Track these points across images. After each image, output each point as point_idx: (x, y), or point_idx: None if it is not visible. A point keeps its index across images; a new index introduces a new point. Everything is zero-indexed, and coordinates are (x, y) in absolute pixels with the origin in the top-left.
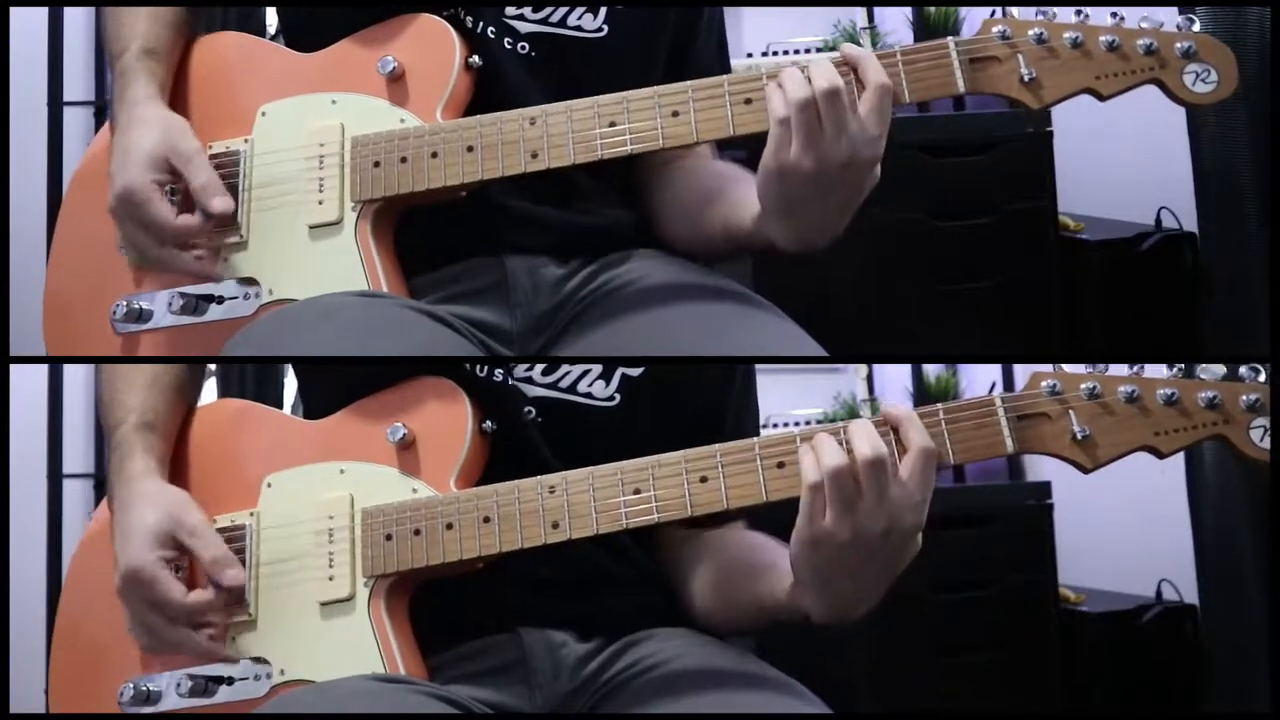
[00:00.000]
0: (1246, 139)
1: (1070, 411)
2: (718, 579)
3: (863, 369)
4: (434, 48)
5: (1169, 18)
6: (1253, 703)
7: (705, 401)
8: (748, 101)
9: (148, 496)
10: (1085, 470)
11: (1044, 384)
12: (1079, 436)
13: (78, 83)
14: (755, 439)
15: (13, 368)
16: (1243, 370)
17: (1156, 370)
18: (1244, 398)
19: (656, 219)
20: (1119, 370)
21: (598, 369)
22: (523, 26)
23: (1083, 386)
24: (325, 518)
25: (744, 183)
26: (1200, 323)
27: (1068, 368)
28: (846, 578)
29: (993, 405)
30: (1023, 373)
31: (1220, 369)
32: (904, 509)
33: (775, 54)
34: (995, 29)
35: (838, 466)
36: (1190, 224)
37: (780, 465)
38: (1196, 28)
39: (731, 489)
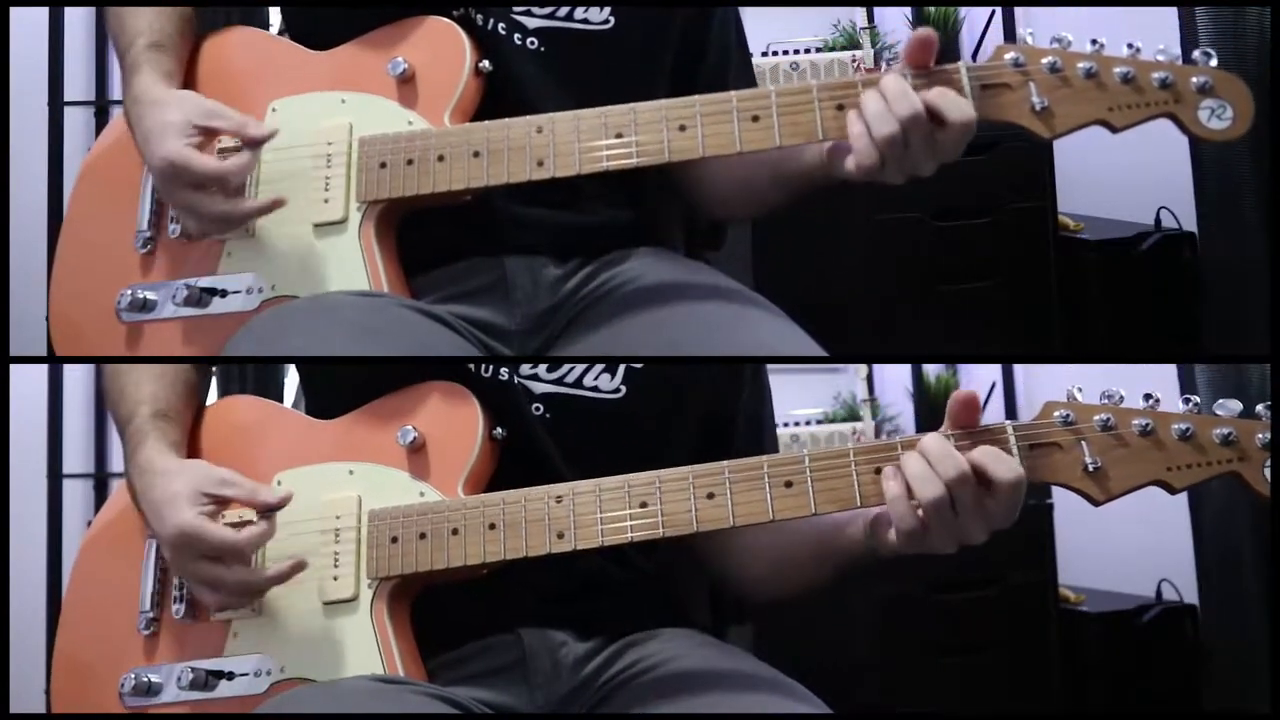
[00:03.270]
0: (1246, 139)
1: (1083, 442)
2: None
3: (863, 369)
4: (445, 51)
5: (1173, 25)
6: (1253, 703)
7: (714, 403)
8: (755, 119)
9: (168, 472)
10: (1096, 503)
11: (1057, 414)
12: (1090, 468)
13: (78, 83)
14: (764, 457)
15: (13, 368)
16: (1259, 409)
17: (1171, 405)
18: (1260, 436)
19: (700, 185)
20: (1134, 403)
21: (602, 364)
22: (531, 22)
23: (1096, 418)
24: (332, 517)
25: None
26: (1200, 323)
27: (1082, 399)
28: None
29: (1004, 433)
30: (1023, 372)
31: (1237, 405)
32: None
33: (775, 54)
34: (1008, 55)
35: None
36: (1190, 224)
37: (788, 485)
38: (1214, 63)
39: (738, 506)
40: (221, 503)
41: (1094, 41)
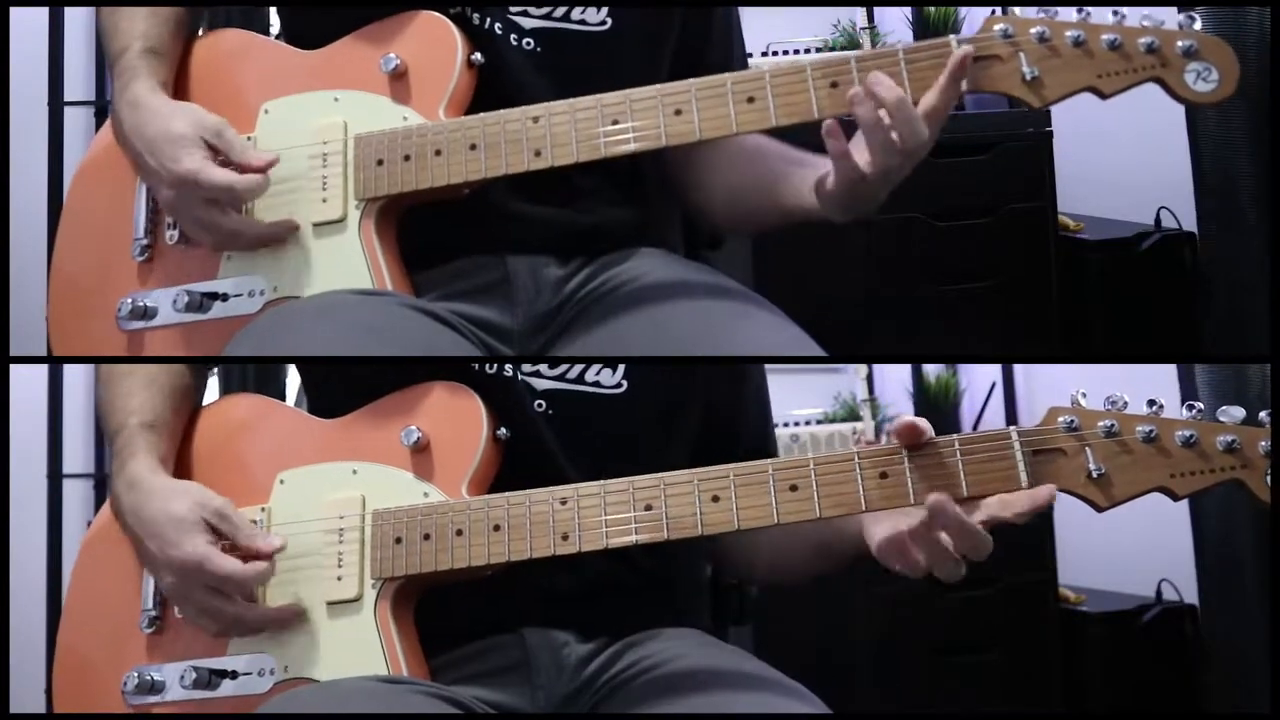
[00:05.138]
0: (1246, 139)
1: (1087, 449)
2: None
3: (863, 369)
4: (436, 45)
5: (1170, 17)
6: (1253, 703)
7: (715, 396)
8: (750, 100)
9: (162, 491)
10: (1099, 509)
11: (1061, 419)
12: (1094, 475)
13: (78, 83)
14: (769, 460)
15: (13, 368)
16: (1262, 415)
17: (1174, 411)
18: (1263, 443)
19: (702, 197)
20: (1137, 409)
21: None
22: (528, 22)
23: (1100, 424)
24: (336, 517)
25: (795, 165)
26: (1200, 323)
27: (1086, 405)
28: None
29: (1009, 439)
30: (1023, 373)
31: (1240, 412)
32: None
33: (775, 54)
34: (997, 27)
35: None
36: (1190, 224)
37: (793, 489)
38: (1198, 26)
39: (743, 509)
40: (219, 534)
41: (1080, 10)
